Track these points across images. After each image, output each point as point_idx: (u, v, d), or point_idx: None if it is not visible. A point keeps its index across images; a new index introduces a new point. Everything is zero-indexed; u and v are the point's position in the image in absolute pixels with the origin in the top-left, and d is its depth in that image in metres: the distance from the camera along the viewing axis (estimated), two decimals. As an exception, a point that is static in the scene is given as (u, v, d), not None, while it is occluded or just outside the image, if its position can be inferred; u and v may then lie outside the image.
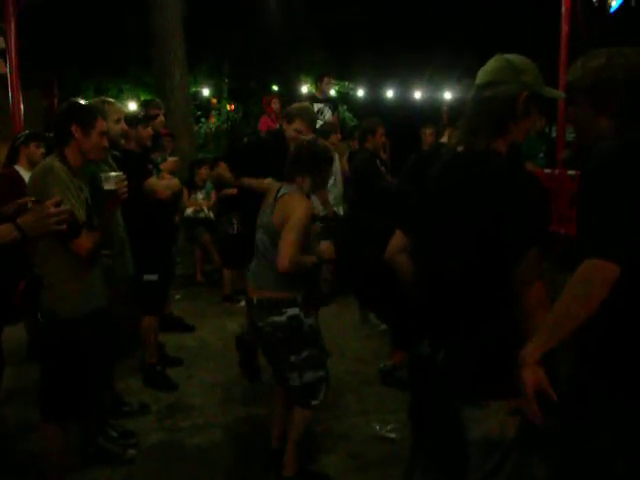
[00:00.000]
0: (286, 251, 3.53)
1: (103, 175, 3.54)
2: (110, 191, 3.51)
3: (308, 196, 3.84)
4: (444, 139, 4.17)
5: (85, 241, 3.41)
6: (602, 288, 2.10)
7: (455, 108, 3.53)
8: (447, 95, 13.64)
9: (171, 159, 5.99)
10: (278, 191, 3.80)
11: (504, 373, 2.32)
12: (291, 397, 3.91)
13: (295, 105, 5.29)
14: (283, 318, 3.66)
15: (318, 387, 3.80)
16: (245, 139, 8.46)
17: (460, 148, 2.56)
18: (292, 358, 3.72)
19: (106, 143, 3.74)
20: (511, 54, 2.51)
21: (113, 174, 3.58)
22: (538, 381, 2.20)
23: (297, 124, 4.91)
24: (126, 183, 3.59)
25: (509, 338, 2.34)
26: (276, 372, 3.99)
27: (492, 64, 2.51)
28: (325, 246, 3.84)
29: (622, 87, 2.24)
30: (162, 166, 5.66)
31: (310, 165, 3.80)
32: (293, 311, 3.66)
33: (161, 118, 6.12)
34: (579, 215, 2.26)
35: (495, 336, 2.37)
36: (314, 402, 3.81)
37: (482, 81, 2.50)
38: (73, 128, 3.53)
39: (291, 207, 3.65)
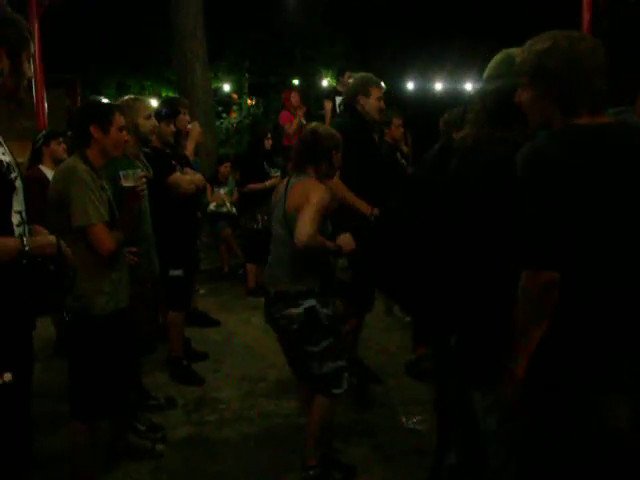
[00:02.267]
0: (304, 227, 3.51)
1: (122, 173, 3.58)
2: (129, 188, 3.56)
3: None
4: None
5: (107, 241, 3.43)
6: (541, 296, 2.12)
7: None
8: (468, 86, 13.59)
9: (192, 125, 5.90)
10: (288, 182, 3.81)
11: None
12: (312, 385, 3.88)
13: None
14: (300, 310, 3.66)
15: (339, 376, 3.76)
16: (269, 135, 8.39)
17: (469, 140, 2.61)
18: (310, 348, 3.71)
19: (127, 137, 3.74)
20: (516, 48, 2.52)
21: (131, 171, 3.62)
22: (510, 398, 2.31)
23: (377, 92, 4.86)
24: (145, 180, 3.63)
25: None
26: (294, 363, 3.99)
27: (495, 58, 2.59)
28: (345, 238, 3.80)
29: (558, 75, 2.19)
30: (190, 137, 5.70)
31: (314, 153, 3.79)
32: (309, 302, 3.65)
33: (184, 117, 6.10)
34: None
35: (505, 322, 2.36)
36: (337, 391, 3.78)
37: (485, 75, 2.56)
38: (92, 129, 3.54)
39: (308, 191, 3.64)
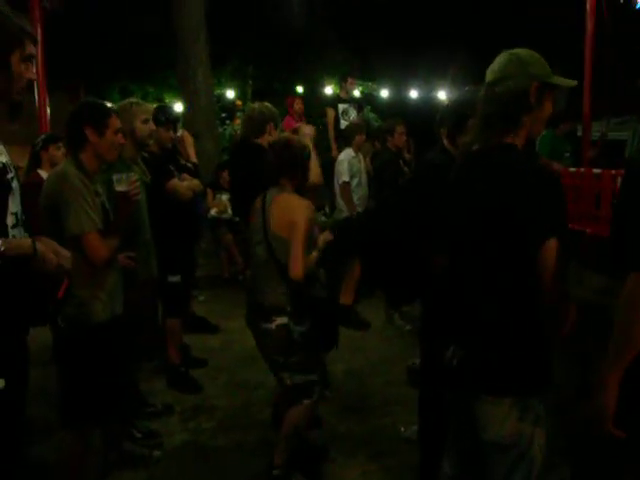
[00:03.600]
0: (298, 263, 3.60)
1: (115, 176, 3.51)
2: (122, 192, 3.49)
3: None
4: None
5: (100, 250, 3.38)
6: None
7: (449, 110, 3.54)
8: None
9: (183, 132, 5.90)
10: (264, 198, 3.80)
11: (519, 370, 2.38)
12: (285, 393, 3.94)
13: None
14: (272, 326, 3.70)
15: (310, 389, 3.79)
16: None
17: (475, 147, 2.56)
18: (281, 359, 3.76)
19: (123, 140, 3.67)
20: (517, 49, 2.50)
21: (124, 175, 3.55)
22: (603, 408, 2.23)
23: None
24: (138, 184, 3.57)
25: (526, 336, 2.36)
26: (271, 369, 4.01)
27: (499, 60, 2.52)
28: (321, 237, 3.89)
29: None
30: (185, 140, 5.72)
31: (291, 165, 3.79)
32: (282, 320, 3.69)
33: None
34: (621, 217, 2.24)
35: (513, 334, 2.38)
36: (307, 401, 3.79)
37: (491, 78, 2.51)
38: (87, 131, 3.45)
39: (292, 210, 3.68)
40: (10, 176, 2.54)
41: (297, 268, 3.59)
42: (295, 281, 3.62)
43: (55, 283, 2.67)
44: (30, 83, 2.63)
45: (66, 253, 2.70)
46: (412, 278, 3.12)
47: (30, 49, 2.56)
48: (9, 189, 2.53)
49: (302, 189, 3.88)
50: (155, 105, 5.41)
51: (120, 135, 3.61)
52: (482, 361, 2.47)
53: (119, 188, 3.48)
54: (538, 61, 2.45)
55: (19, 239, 2.59)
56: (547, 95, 2.44)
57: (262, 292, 3.80)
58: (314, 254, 3.78)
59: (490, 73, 2.52)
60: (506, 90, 2.42)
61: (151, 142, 4.78)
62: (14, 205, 2.59)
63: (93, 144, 3.47)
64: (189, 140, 5.75)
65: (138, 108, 4.57)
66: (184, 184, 5.20)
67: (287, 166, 3.79)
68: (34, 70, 2.64)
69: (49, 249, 2.59)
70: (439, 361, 2.64)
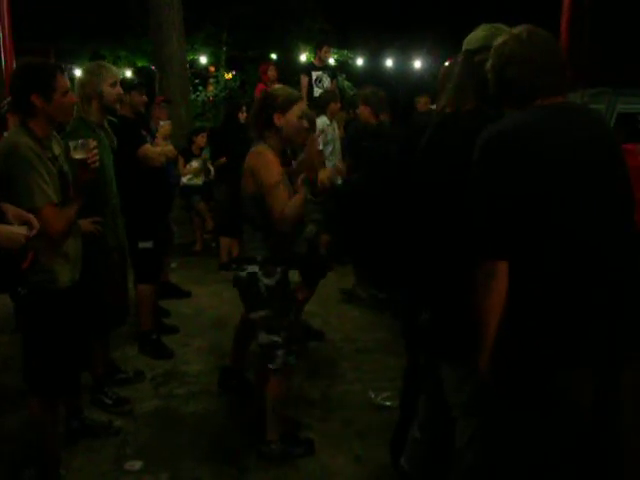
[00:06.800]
0: (275, 212, 3.51)
1: (71, 143, 3.35)
2: (79, 160, 3.34)
3: (285, 151, 3.83)
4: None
5: (54, 223, 3.22)
6: (489, 285, 2.15)
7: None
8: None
9: (164, 123, 5.82)
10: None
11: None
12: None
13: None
14: (243, 274, 3.69)
15: (273, 352, 3.70)
16: (243, 108, 8.21)
17: (448, 110, 2.54)
18: (250, 315, 3.79)
19: (73, 99, 3.49)
20: (498, 24, 2.49)
21: (80, 141, 3.37)
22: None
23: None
24: (97, 151, 3.41)
25: None
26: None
27: (482, 31, 2.51)
28: (323, 173, 3.78)
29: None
30: (157, 133, 5.58)
31: (265, 113, 3.63)
32: (252, 268, 3.66)
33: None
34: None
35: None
36: (271, 366, 3.72)
37: (472, 46, 2.48)
38: (34, 99, 3.21)
39: (254, 168, 3.58)
40: None
41: (280, 221, 3.51)
42: (276, 231, 3.58)
43: (21, 253, 2.63)
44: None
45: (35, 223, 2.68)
46: (398, 264, 3.08)
47: None
48: None
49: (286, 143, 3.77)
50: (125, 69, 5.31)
51: (70, 94, 3.39)
52: (441, 326, 2.49)
53: (76, 156, 3.33)
54: None
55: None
56: None
57: (246, 245, 3.80)
58: (300, 192, 3.56)
59: (470, 42, 2.51)
60: (485, 61, 2.39)
61: (118, 106, 4.66)
62: None
63: (42, 110, 3.26)
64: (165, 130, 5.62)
65: (106, 71, 4.36)
66: (156, 150, 5.13)
67: (263, 115, 3.64)
68: None
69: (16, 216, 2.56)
70: (415, 327, 2.66)
